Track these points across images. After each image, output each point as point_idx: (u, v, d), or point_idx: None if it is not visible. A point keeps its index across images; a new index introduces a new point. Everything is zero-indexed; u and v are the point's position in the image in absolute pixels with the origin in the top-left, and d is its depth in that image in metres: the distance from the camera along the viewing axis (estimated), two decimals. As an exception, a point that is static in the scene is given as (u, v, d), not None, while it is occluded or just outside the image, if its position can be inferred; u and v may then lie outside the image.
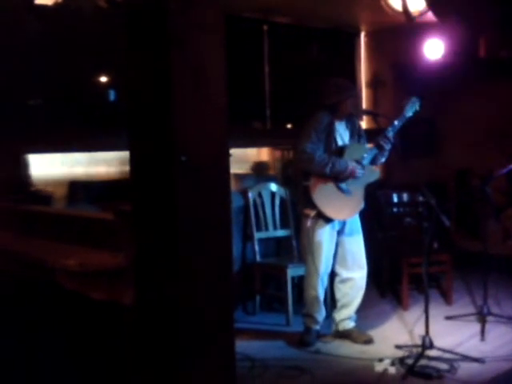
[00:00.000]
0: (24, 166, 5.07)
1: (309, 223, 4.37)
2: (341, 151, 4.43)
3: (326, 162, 4.31)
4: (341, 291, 4.57)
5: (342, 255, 4.52)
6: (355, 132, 4.55)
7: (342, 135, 4.50)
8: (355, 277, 4.52)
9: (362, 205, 4.50)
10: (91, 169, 5.52)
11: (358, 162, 4.42)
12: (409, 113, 4.44)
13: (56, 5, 4.05)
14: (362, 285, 4.55)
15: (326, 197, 4.36)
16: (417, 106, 4.45)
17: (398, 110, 4.48)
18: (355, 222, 4.53)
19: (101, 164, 5.58)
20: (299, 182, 4.45)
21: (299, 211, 4.56)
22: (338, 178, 4.37)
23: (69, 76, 5.46)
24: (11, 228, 4.20)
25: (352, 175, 4.37)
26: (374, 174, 4.58)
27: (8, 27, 4.80)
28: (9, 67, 4.83)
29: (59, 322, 3.64)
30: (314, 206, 4.34)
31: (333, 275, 4.60)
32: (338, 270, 4.55)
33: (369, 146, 4.52)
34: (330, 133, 4.41)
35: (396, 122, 4.42)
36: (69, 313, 3.55)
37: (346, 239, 4.51)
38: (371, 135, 4.61)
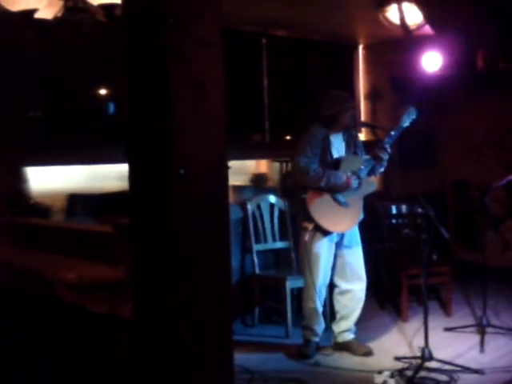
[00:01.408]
0: (23, 179, 5.08)
1: (307, 236, 4.38)
2: (337, 163, 4.44)
3: (320, 175, 4.32)
4: (340, 303, 4.57)
5: (341, 267, 4.53)
6: (352, 144, 4.56)
7: (338, 148, 4.51)
8: (354, 288, 4.52)
9: (360, 216, 4.51)
10: (90, 182, 5.53)
11: (355, 173, 4.44)
12: (405, 123, 4.46)
13: (56, 19, 4.07)
14: (361, 296, 4.55)
15: (323, 210, 4.37)
16: (413, 115, 4.47)
17: (396, 121, 4.51)
18: (354, 234, 4.54)
19: (99, 177, 5.58)
20: (297, 194, 4.46)
21: (298, 224, 4.57)
22: (335, 190, 4.38)
23: (68, 89, 5.48)
24: (10, 241, 4.20)
25: (348, 186, 4.38)
26: (372, 185, 4.59)
27: (8, 41, 4.82)
28: (9, 80, 4.85)
29: (58, 335, 3.64)
30: (311, 219, 4.35)
31: (332, 287, 4.61)
32: (337, 281, 4.55)
33: (366, 157, 4.53)
34: (326, 146, 4.42)
35: (393, 133, 4.44)
36: (68, 326, 3.55)
37: (345, 251, 4.51)
38: (369, 147, 4.63)
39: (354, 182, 4.40)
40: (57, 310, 3.52)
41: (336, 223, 4.41)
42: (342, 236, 4.49)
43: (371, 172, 4.53)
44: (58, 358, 3.66)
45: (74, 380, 3.58)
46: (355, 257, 4.54)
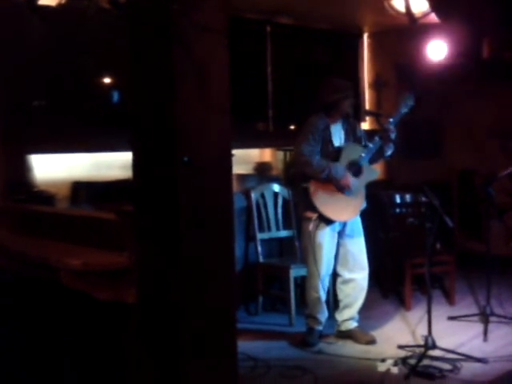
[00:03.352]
0: (28, 167, 5.09)
1: (310, 226, 4.37)
2: (337, 152, 4.43)
3: (323, 167, 4.30)
4: (343, 292, 4.57)
5: (343, 256, 4.53)
6: (350, 133, 4.54)
7: (338, 137, 4.50)
8: (357, 277, 4.53)
9: (363, 204, 4.51)
10: (94, 170, 5.53)
11: (356, 163, 4.41)
12: (404, 109, 4.44)
13: (59, 6, 4.06)
14: (364, 285, 4.56)
15: (326, 199, 4.36)
16: (411, 102, 4.45)
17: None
18: (356, 223, 4.53)
19: (104, 165, 5.59)
20: (298, 184, 4.46)
21: (300, 213, 4.56)
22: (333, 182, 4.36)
23: (72, 77, 5.47)
24: (15, 228, 4.21)
25: (345, 187, 4.36)
26: (374, 172, 4.58)
27: (11, 28, 4.82)
28: (13, 68, 4.85)
29: (63, 322, 3.65)
30: (314, 209, 4.35)
31: (335, 276, 4.61)
32: (340, 270, 4.56)
33: (368, 144, 4.51)
34: (326, 136, 4.41)
35: (391, 119, 4.41)
36: (72, 312, 3.57)
37: (348, 240, 4.51)
38: (373, 136, 4.61)
39: (353, 184, 4.37)
40: (61, 296, 3.53)
41: (339, 212, 4.40)
42: (344, 225, 4.48)
43: (379, 155, 4.50)
44: (63, 345, 3.67)
45: (79, 366, 3.59)
46: (357, 246, 4.54)
